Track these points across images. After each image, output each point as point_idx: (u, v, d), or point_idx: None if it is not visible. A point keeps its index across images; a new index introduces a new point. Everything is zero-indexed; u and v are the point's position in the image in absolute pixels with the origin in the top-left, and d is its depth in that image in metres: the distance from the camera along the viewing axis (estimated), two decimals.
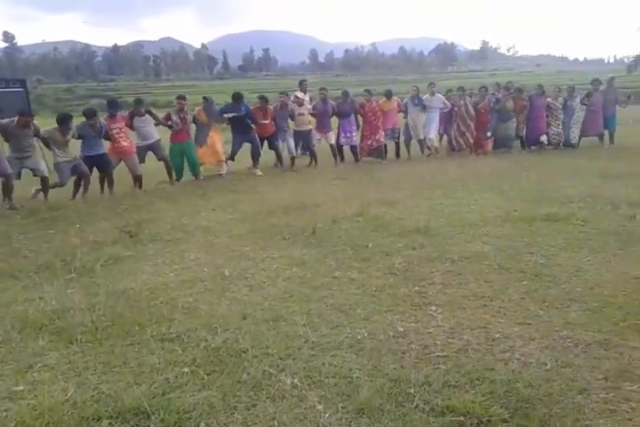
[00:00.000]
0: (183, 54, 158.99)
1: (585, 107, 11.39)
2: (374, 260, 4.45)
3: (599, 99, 11.44)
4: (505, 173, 8.49)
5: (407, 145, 11.10)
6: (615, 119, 11.74)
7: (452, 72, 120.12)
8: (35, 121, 7.44)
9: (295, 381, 2.61)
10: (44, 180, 7.62)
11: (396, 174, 8.95)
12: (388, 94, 10.77)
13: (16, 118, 7.17)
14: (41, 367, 2.86)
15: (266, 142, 9.99)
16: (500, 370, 2.66)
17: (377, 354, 2.87)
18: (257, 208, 6.52)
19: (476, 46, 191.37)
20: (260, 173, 9.58)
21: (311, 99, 11.00)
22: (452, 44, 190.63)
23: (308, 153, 10.68)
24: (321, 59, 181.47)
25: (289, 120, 10.11)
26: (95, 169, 8.05)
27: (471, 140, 11.04)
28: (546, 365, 2.70)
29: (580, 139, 11.63)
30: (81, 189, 7.89)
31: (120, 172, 8.47)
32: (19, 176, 7.50)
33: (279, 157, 10.22)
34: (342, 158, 10.60)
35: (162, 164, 8.85)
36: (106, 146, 8.24)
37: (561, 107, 11.28)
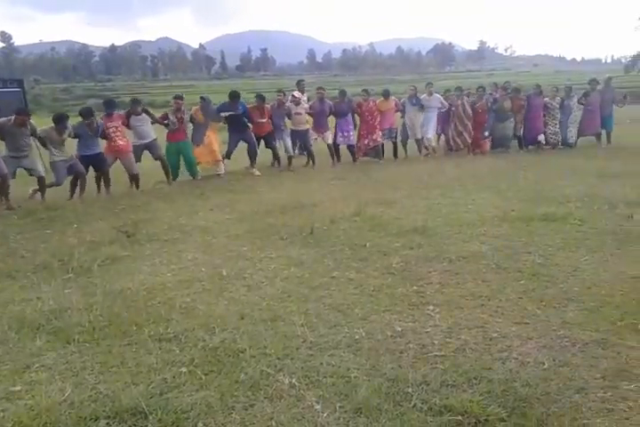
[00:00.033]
0: (181, 54, 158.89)
1: (582, 106, 11.42)
2: (372, 260, 4.46)
3: (596, 98, 11.48)
4: (502, 173, 8.50)
5: (404, 145, 11.11)
6: (612, 119, 11.77)
7: (449, 72, 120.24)
8: (31, 120, 7.42)
9: (293, 380, 2.61)
10: (40, 179, 7.61)
11: (393, 174, 8.95)
12: (386, 94, 10.78)
13: (13, 117, 7.16)
14: (38, 367, 2.86)
15: (263, 142, 9.98)
16: (498, 369, 2.67)
17: (375, 354, 2.87)
18: (255, 208, 6.52)
19: (474, 46, 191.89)
20: (257, 172, 9.57)
21: (309, 99, 10.99)
22: (450, 44, 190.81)
23: (305, 153, 10.67)
24: (319, 59, 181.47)
25: (286, 119, 10.10)
26: (92, 169, 8.05)
27: (469, 140, 11.05)
28: (543, 364, 2.71)
29: (577, 138, 11.66)
30: (78, 189, 7.87)
31: (116, 171, 8.46)
32: (13, 175, 7.48)
33: (276, 156, 10.23)
34: (339, 158, 10.60)
35: (158, 163, 8.83)
36: (102, 145, 8.23)
37: (558, 106, 11.30)
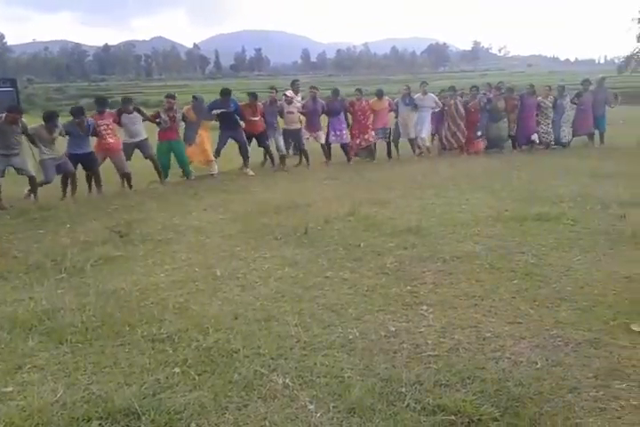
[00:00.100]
0: (175, 54, 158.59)
1: (575, 106, 11.47)
2: (366, 260, 4.46)
3: (589, 98, 11.54)
4: (496, 173, 8.52)
5: (396, 144, 11.10)
6: (605, 119, 11.83)
7: (443, 72, 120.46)
8: (23, 119, 7.38)
9: (287, 381, 2.61)
10: (31, 179, 7.56)
11: (387, 174, 8.96)
12: (379, 94, 10.79)
13: (4, 115, 7.12)
14: (30, 368, 2.84)
15: (255, 141, 9.95)
16: (491, 369, 2.67)
17: (368, 354, 2.87)
18: (248, 208, 6.51)
19: (468, 46, 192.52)
20: (251, 172, 9.56)
21: (303, 99, 10.98)
22: (444, 44, 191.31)
23: (297, 153, 10.64)
24: (313, 59, 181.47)
25: (278, 118, 10.06)
26: (82, 168, 8.00)
27: (462, 140, 11.07)
28: (536, 364, 2.72)
29: (571, 138, 11.70)
30: (69, 189, 7.83)
31: (107, 171, 8.41)
32: (3, 174, 7.43)
33: (270, 155, 10.18)
34: (330, 157, 10.58)
35: (149, 162, 8.79)
36: (92, 142, 8.18)
37: (551, 105, 11.34)
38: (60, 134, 7.67)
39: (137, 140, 8.53)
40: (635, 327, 3.06)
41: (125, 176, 8.40)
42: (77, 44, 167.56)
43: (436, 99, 10.97)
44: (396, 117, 11.07)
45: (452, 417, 2.29)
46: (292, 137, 10.25)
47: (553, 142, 11.52)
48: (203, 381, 2.64)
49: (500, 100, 11.03)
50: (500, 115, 11.06)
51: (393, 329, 3.16)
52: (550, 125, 11.38)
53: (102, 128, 8.03)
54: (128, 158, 8.51)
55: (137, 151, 8.67)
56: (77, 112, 7.83)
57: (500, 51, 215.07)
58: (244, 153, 9.73)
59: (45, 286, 4.06)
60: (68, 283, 4.13)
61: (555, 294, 3.63)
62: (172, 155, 9.02)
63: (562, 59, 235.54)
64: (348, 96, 11.17)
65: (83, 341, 3.12)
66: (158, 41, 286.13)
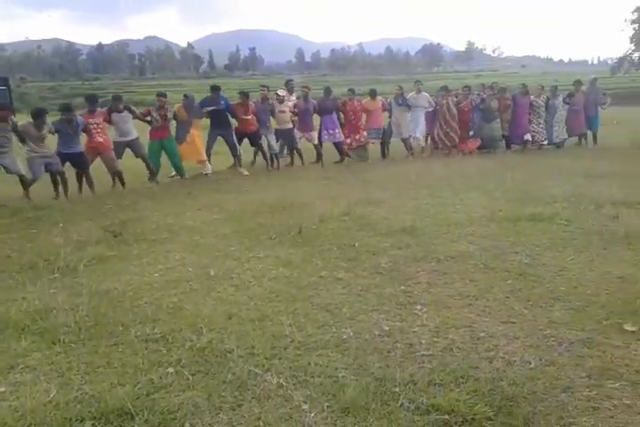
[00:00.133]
0: (169, 53, 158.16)
1: (567, 106, 11.52)
2: (361, 259, 4.46)
3: (581, 99, 11.61)
4: (490, 173, 8.54)
5: (386, 144, 11.10)
6: (598, 119, 11.89)
7: (437, 73, 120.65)
8: (12, 116, 7.33)
9: (281, 380, 2.61)
10: (21, 178, 7.51)
11: (381, 174, 8.96)
12: (373, 94, 10.79)
13: None
14: (23, 368, 2.83)
15: (248, 141, 9.93)
16: (485, 369, 2.68)
17: (362, 353, 2.87)
18: (243, 208, 6.50)
19: (462, 47, 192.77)
20: (246, 172, 9.54)
21: (297, 98, 10.96)
22: (438, 44, 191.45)
23: (288, 153, 10.60)
24: (307, 58, 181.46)
25: (271, 118, 10.01)
26: (73, 168, 7.95)
27: (456, 140, 11.08)
28: (530, 363, 2.73)
29: (566, 139, 11.75)
30: (61, 188, 7.77)
31: (99, 171, 8.37)
32: None
33: (264, 155, 10.13)
34: (321, 157, 10.55)
35: (140, 161, 8.76)
36: (83, 141, 8.14)
37: (543, 105, 11.39)
38: (50, 132, 7.61)
39: (128, 139, 8.50)
40: (627, 327, 3.08)
41: (117, 175, 8.35)
42: (71, 43, 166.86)
43: (430, 98, 10.99)
44: (390, 117, 11.08)
45: (446, 417, 2.30)
46: (285, 137, 10.21)
47: (546, 142, 11.57)
48: (196, 381, 2.63)
49: (494, 101, 11.07)
50: (493, 115, 11.10)
51: (387, 329, 3.16)
52: (542, 125, 11.44)
53: (92, 127, 7.98)
54: (119, 157, 8.46)
55: (128, 150, 8.63)
56: (65, 109, 7.78)
57: (493, 51, 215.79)
58: (234, 153, 9.71)
59: (38, 285, 4.04)
60: (62, 283, 4.11)
61: (548, 293, 3.64)
62: (164, 154, 9.00)
63: (555, 59, 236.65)
64: (343, 96, 11.17)
65: (76, 341, 3.11)
66: (152, 40, 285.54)
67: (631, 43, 49.62)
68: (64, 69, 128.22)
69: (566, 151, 11.29)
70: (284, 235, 5.20)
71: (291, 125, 10.07)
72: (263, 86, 10.28)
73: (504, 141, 11.59)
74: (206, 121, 9.63)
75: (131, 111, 8.52)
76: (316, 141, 10.39)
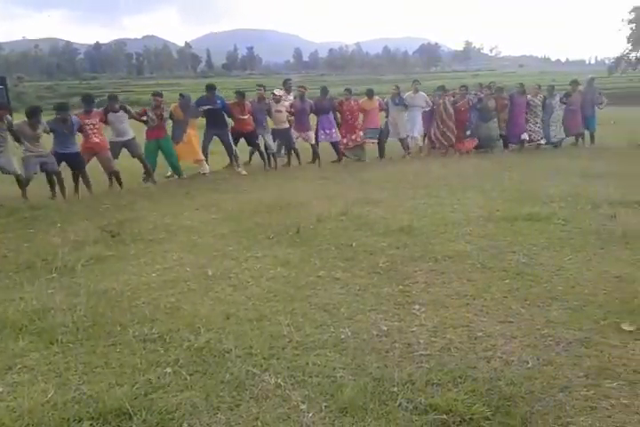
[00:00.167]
0: (166, 52, 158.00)
1: (564, 106, 11.55)
2: (358, 259, 4.46)
3: (577, 98, 11.63)
4: (487, 173, 8.55)
5: (383, 143, 11.10)
6: (595, 119, 11.91)
7: (435, 72, 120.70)
8: (8, 115, 7.31)
9: (279, 380, 2.61)
10: (17, 178, 7.49)
11: (379, 174, 8.96)
12: (370, 93, 10.79)
13: None
14: (21, 368, 2.83)
15: (244, 140, 9.91)
16: (483, 368, 2.69)
17: (360, 353, 2.87)
18: (241, 207, 6.49)
19: (460, 47, 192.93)
20: (244, 172, 9.54)
21: (295, 98, 10.94)
22: (436, 44, 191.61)
23: (286, 153, 10.59)
24: (305, 58, 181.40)
25: (267, 118, 9.99)
26: (68, 167, 7.93)
27: (453, 139, 11.09)
28: (527, 363, 2.73)
29: (564, 138, 11.78)
30: (58, 188, 7.75)
31: (96, 171, 8.35)
32: None
33: (261, 154, 10.11)
34: (318, 157, 10.54)
35: (137, 161, 8.74)
36: (78, 141, 8.12)
37: (540, 104, 11.40)
38: (45, 131, 7.58)
39: (124, 139, 8.47)
40: (625, 327, 3.08)
41: (114, 175, 8.32)
42: (68, 42, 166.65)
43: (427, 98, 11.00)
44: (387, 117, 11.08)
45: (444, 416, 2.30)
46: (282, 137, 10.19)
47: (543, 141, 11.59)
48: (194, 381, 2.63)
49: (491, 100, 11.08)
50: (491, 114, 11.12)
51: (385, 328, 3.16)
52: (539, 124, 11.46)
53: (88, 127, 7.95)
54: (115, 157, 8.42)
55: (124, 150, 8.60)
56: (61, 108, 7.75)
57: (491, 51, 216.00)
58: (229, 153, 9.70)
59: (36, 285, 4.03)
60: (59, 283, 4.11)
61: (546, 293, 3.64)
62: (161, 154, 8.98)
63: (553, 59, 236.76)
64: (340, 95, 11.17)
65: (74, 341, 3.10)
66: (150, 39, 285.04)
67: (628, 42, 49.73)
68: (61, 69, 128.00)
69: (563, 151, 11.31)
70: (281, 234, 5.20)
71: (287, 125, 10.06)
72: (259, 86, 10.26)
73: (501, 141, 11.61)
74: (202, 120, 9.60)
75: (126, 111, 8.48)
76: (313, 141, 10.38)
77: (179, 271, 4.31)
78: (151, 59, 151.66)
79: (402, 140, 11.05)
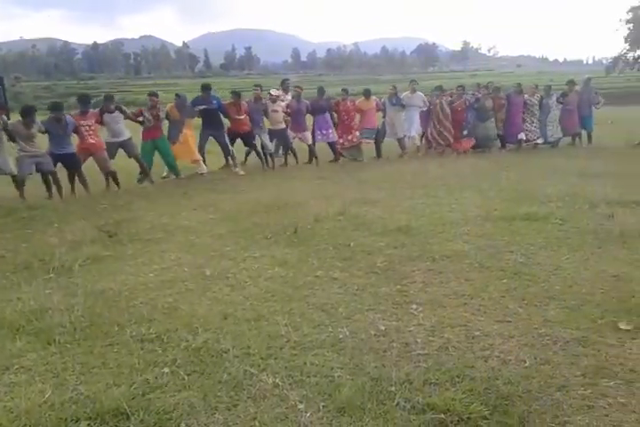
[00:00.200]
0: (164, 52, 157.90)
1: (561, 105, 11.56)
2: (356, 259, 4.46)
3: (574, 98, 11.65)
4: (485, 173, 8.56)
5: (380, 143, 11.10)
6: (592, 119, 11.92)
7: (433, 72, 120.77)
8: (4, 115, 7.28)
9: (276, 380, 2.60)
10: (14, 178, 7.47)
11: (377, 174, 8.97)
12: (367, 93, 10.80)
13: None
14: (18, 369, 2.82)
15: (241, 141, 9.90)
16: (480, 368, 2.69)
17: (358, 353, 2.87)
18: (238, 207, 6.49)
19: (458, 47, 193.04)
20: (241, 172, 9.53)
21: (293, 98, 10.94)
22: (434, 44, 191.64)
23: (283, 153, 10.59)
24: (303, 58, 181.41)
25: (264, 118, 9.97)
26: (64, 168, 7.91)
27: (450, 139, 11.10)
28: (525, 362, 2.73)
29: (561, 137, 11.80)
30: (54, 188, 7.73)
31: (93, 171, 8.33)
32: None
33: (259, 155, 10.09)
34: (315, 158, 10.54)
35: (133, 161, 8.72)
36: (74, 141, 8.09)
37: (537, 103, 11.42)
38: (40, 131, 7.56)
39: (120, 139, 8.43)
40: (622, 326, 3.09)
41: (111, 175, 8.29)
42: (66, 42, 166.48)
43: (424, 98, 11.01)
44: (384, 117, 11.08)
45: (442, 416, 2.30)
46: (278, 137, 10.18)
47: (541, 140, 11.60)
48: (192, 381, 2.63)
49: (488, 100, 11.10)
50: (488, 114, 11.13)
51: (383, 328, 3.16)
52: (535, 124, 11.48)
53: (84, 129, 7.91)
54: (111, 158, 8.40)
55: (121, 150, 8.58)
56: (55, 107, 7.73)
57: (489, 51, 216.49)
58: (226, 154, 9.70)
59: (33, 285, 4.02)
60: (57, 283, 4.10)
61: (543, 292, 3.65)
62: (158, 154, 8.96)
63: (551, 59, 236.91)
64: (338, 95, 11.17)
65: (71, 341, 3.10)
66: (147, 39, 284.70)
67: (626, 42, 49.77)
68: (59, 69, 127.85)
69: (561, 151, 11.33)
70: (279, 234, 5.20)
71: (284, 126, 10.04)
72: (256, 86, 10.26)
73: (499, 141, 11.63)
74: (199, 120, 9.59)
75: (122, 111, 8.45)
76: (310, 141, 10.37)
77: (176, 271, 4.30)
78: (149, 59, 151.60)
79: (399, 140, 11.06)
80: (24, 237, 5.51)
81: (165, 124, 9.16)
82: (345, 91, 10.81)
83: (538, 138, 11.55)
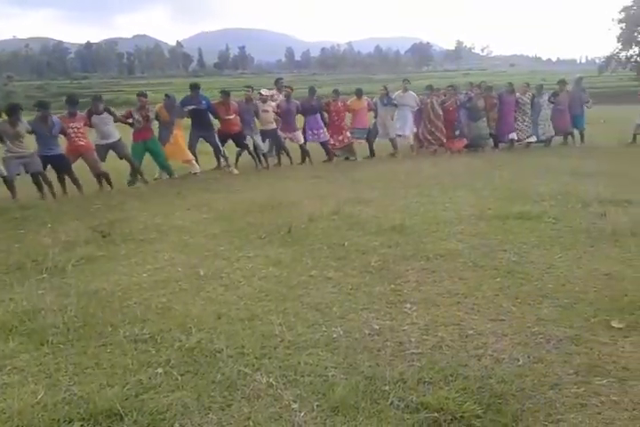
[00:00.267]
0: (158, 52, 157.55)
1: (552, 104, 11.60)
2: (350, 258, 4.46)
3: (565, 98, 11.69)
4: (478, 172, 8.58)
5: (372, 143, 11.11)
6: (584, 118, 11.97)
7: (427, 72, 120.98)
8: None
9: (270, 380, 2.60)
10: (4, 178, 7.42)
11: (370, 173, 8.98)
12: (358, 93, 10.80)
13: None
14: (10, 370, 2.81)
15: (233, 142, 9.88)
16: (474, 366, 2.69)
17: (352, 352, 2.87)
18: (232, 207, 6.48)
19: (452, 46, 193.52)
20: (235, 171, 9.52)
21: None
22: (428, 43, 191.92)
23: (276, 153, 10.57)
24: (297, 57, 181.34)
25: (255, 119, 9.93)
26: (53, 170, 7.86)
27: (443, 139, 11.11)
28: (518, 360, 2.74)
29: (552, 136, 11.84)
30: (46, 188, 7.69)
31: (83, 171, 8.28)
32: None
33: (252, 155, 10.06)
34: (307, 158, 10.54)
35: (125, 161, 8.69)
36: (63, 143, 8.04)
37: (529, 102, 11.47)
38: (28, 131, 7.49)
39: (110, 141, 8.37)
40: (615, 324, 3.10)
41: (103, 176, 8.24)
42: (59, 42, 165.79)
43: (416, 97, 11.02)
44: (375, 117, 11.08)
45: (436, 414, 2.30)
46: (269, 137, 10.14)
47: (533, 139, 11.64)
48: (186, 381, 2.63)
49: (480, 99, 11.13)
50: (480, 114, 11.16)
51: (377, 327, 3.17)
52: (526, 122, 11.53)
53: (72, 131, 7.86)
54: (102, 160, 8.34)
55: (111, 151, 8.53)
56: (40, 105, 7.67)
57: (482, 50, 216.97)
58: (217, 154, 9.67)
59: (26, 286, 4.00)
60: (50, 283, 4.08)
61: (536, 291, 3.66)
62: (149, 155, 8.92)
63: (544, 59, 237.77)
64: (329, 96, 11.16)
65: (64, 342, 3.09)
66: (141, 39, 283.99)
67: (618, 42, 49.92)
68: (52, 68, 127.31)
69: (553, 150, 11.37)
70: (273, 234, 5.20)
71: (274, 126, 9.99)
72: (247, 87, 10.23)
73: (491, 140, 11.66)
74: (188, 121, 9.56)
75: (111, 113, 8.38)
76: (302, 141, 10.36)
77: (170, 271, 4.29)
78: (142, 58, 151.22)
79: (392, 140, 11.07)
80: (17, 237, 5.48)
81: (155, 125, 9.12)
82: (336, 92, 10.77)
83: (529, 137, 11.59)
